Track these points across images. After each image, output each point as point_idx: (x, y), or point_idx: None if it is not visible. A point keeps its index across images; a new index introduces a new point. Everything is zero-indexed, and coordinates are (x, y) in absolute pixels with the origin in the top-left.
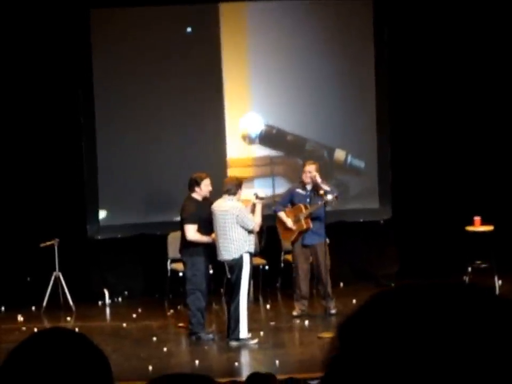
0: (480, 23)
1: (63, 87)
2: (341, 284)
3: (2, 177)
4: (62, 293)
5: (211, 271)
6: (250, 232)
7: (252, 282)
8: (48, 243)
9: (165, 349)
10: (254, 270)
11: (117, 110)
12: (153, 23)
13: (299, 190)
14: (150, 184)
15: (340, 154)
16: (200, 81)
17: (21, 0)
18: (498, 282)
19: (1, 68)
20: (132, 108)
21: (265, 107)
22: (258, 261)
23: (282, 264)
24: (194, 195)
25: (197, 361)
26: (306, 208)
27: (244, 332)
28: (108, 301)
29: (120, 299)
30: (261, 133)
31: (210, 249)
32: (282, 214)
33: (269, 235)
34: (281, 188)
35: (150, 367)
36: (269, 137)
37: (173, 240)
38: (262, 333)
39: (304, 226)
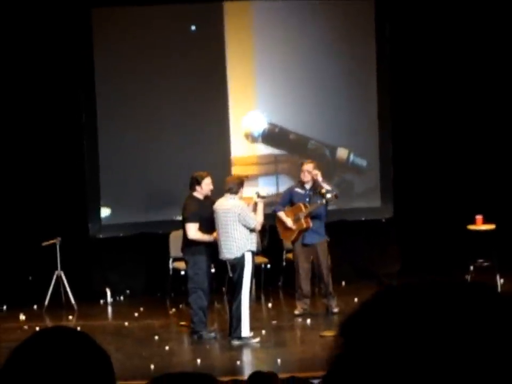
0: (481, 19)
1: (65, 86)
2: (343, 283)
3: (4, 176)
4: (64, 291)
5: (213, 270)
6: (252, 230)
7: (253, 281)
8: (50, 242)
9: (167, 348)
10: (256, 268)
11: (119, 109)
12: (155, 22)
13: (298, 190)
14: (152, 182)
15: (342, 152)
16: (205, 80)
17: (22, 0)
18: (500, 281)
19: (4, 67)
20: (134, 107)
21: (270, 105)
22: (260, 259)
23: (284, 263)
24: (196, 194)
25: (198, 360)
26: (305, 207)
27: (245, 331)
28: (109, 299)
29: (122, 298)
30: (264, 132)
31: (212, 248)
32: (281, 214)
33: (271, 234)
34: (285, 185)
35: (152, 366)
36: (271, 136)
37: (175, 238)
38: (264, 332)
39: (304, 226)
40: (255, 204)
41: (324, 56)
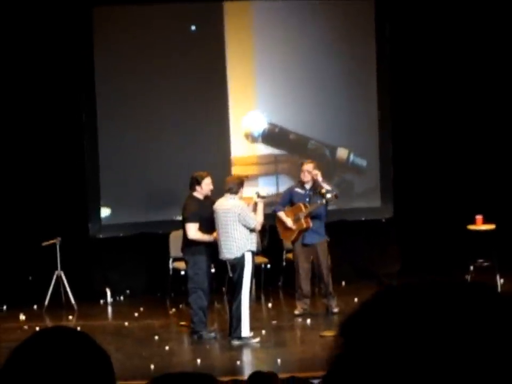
0: (482, 19)
1: (65, 86)
2: (343, 283)
3: (4, 176)
4: (64, 291)
5: (213, 270)
6: (252, 230)
7: (253, 281)
8: (50, 242)
9: (167, 348)
10: (256, 268)
11: (119, 109)
12: (156, 21)
13: (298, 190)
14: (152, 182)
15: (342, 152)
16: (205, 80)
17: None
18: (500, 281)
19: (4, 67)
20: (134, 107)
21: (270, 105)
22: (260, 259)
23: (284, 263)
24: (196, 194)
25: (198, 360)
26: (305, 207)
27: (245, 331)
28: (109, 299)
29: (122, 298)
30: (264, 132)
31: (212, 248)
32: (281, 214)
33: (271, 234)
34: (285, 185)
35: (152, 366)
36: (271, 136)
37: (175, 238)
38: (264, 332)
39: (304, 226)
40: (255, 204)
41: (324, 56)
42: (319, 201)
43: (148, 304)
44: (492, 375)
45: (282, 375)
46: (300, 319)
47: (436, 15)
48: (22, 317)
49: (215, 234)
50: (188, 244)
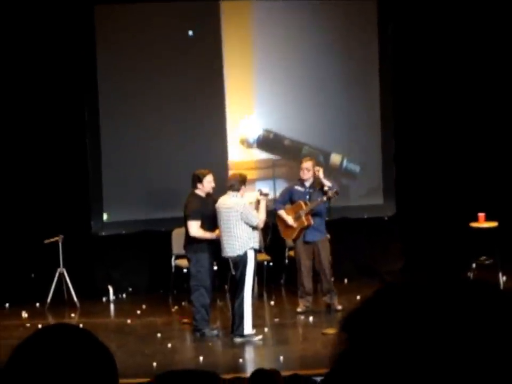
0: (484, 19)
1: (67, 84)
2: (345, 280)
3: (7, 174)
4: (66, 289)
5: (215, 268)
6: (254, 228)
7: (256, 278)
8: (53, 239)
9: (169, 345)
10: (258, 266)
11: (121, 107)
12: (156, 19)
13: (298, 187)
14: (155, 180)
15: (335, 158)
16: (203, 80)
17: None
18: (502, 278)
19: (6, 65)
20: (135, 105)
21: (269, 106)
22: (263, 257)
23: (286, 261)
24: (197, 191)
25: (201, 358)
26: (306, 204)
27: (248, 328)
28: (112, 297)
29: (124, 295)
30: (259, 138)
31: (215, 246)
32: (282, 212)
33: (273, 231)
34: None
35: (155, 364)
36: (266, 142)
37: (177, 236)
38: (266, 329)
39: (305, 223)
40: (258, 202)
41: (325, 57)
42: (319, 199)
43: (150, 302)
44: (494, 371)
45: (284, 373)
46: (302, 317)
47: (439, 15)
48: (24, 314)
49: (217, 231)
50: (190, 241)
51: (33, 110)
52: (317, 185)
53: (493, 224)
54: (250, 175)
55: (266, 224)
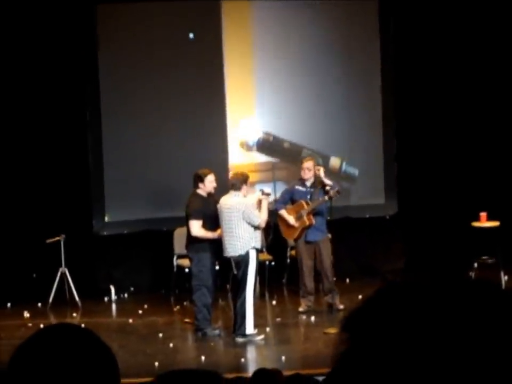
0: (486, 18)
1: (69, 82)
2: (347, 280)
3: (8, 173)
4: (68, 289)
5: (217, 267)
6: (256, 228)
7: (257, 278)
8: (54, 239)
9: (171, 345)
10: (260, 266)
11: (123, 106)
12: (158, 19)
13: (299, 187)
14: (157, 179)
15: (334, 162)
16: (204, 79)
17: None
18: (504, 278)
19: (8, 64)
20: (137, 103)
21: (270, 107)
22: (264, 256)
23: (288, 260)
24: (199, 191)
25: (203, 357)
26: (308, 204)
27: (250, 328)
28: (114, 297)
29: (126, 295)
30: (259, 141)
31: (217, 245)
32: (283, 212)
33: (275, 231)
34: None
35: (156, 363)
36: (266, 145)
37: (179, 236)
38: (268, 329)
39: (307, 223)
40: (260, 201)
41: (326, 57)
42: (321, 198)
43: (152, 302)
44: (496, 370)
45: (286, 372)
46: (304, 316)
47: (440, 14)
48: (26, 314)
49: (219, 231)
50: (192, 241)
51: (34, 109)
52: (318, 184)
53: (495, 223)
54: (250, 177)
55: (268, 224)
